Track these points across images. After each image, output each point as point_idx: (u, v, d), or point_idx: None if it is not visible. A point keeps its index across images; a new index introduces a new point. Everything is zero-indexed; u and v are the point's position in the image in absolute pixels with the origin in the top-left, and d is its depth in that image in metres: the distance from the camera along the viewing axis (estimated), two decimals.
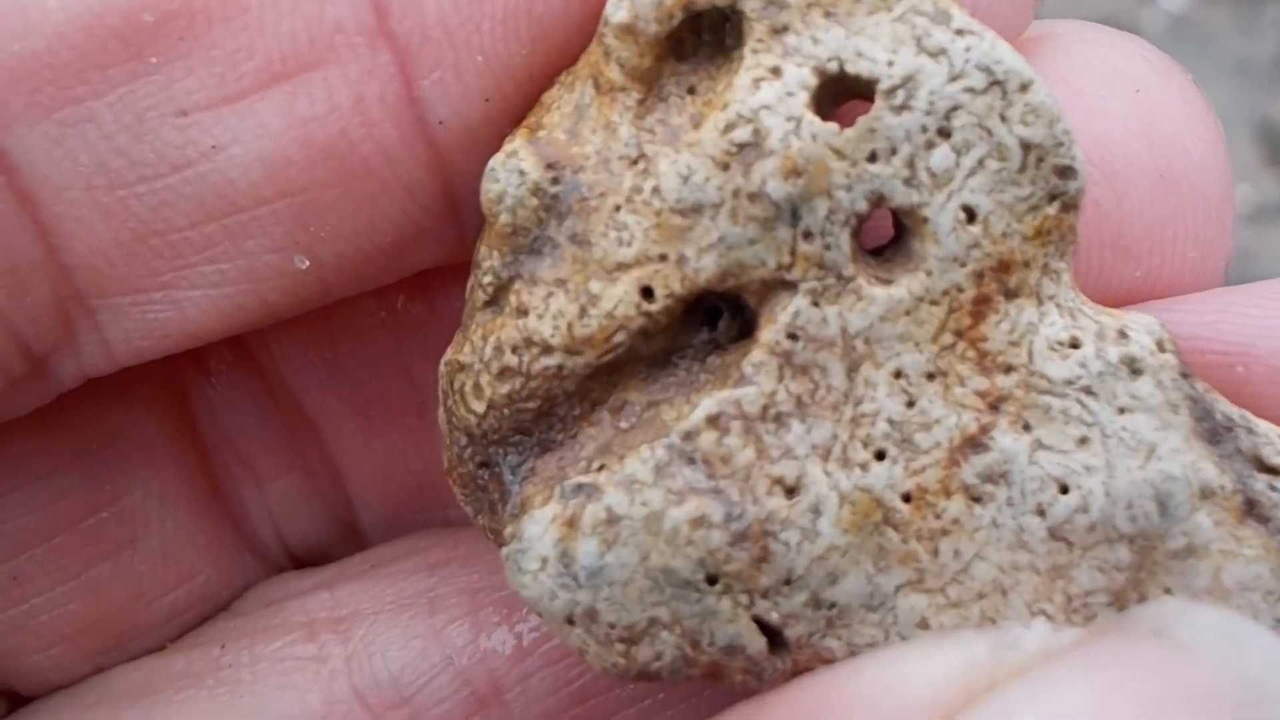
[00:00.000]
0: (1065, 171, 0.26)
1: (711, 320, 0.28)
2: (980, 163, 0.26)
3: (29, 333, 0.29)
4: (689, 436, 0.27)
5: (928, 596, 0.26)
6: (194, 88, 0.27)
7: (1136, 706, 0.21)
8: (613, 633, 0.26)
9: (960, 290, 0.26)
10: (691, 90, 0.27)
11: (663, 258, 0.26)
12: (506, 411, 0.28)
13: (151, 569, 0.35)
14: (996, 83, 0.26)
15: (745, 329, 0.27)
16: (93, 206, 0.28)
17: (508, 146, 0.27)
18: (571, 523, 0.26)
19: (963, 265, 0.26)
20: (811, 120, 0.25)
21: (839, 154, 0.26)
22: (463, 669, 0.33)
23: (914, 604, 0.26)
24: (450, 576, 0.34)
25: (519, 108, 0.28)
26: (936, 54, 0.26)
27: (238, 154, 0.28)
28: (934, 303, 0.26)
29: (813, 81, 0.25)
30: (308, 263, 0.29)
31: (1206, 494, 0.27)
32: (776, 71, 0.26)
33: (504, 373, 0.27)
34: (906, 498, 0.26)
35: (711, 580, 0.26)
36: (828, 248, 0.26)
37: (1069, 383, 0.27)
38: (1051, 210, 0.27)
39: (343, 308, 0.32)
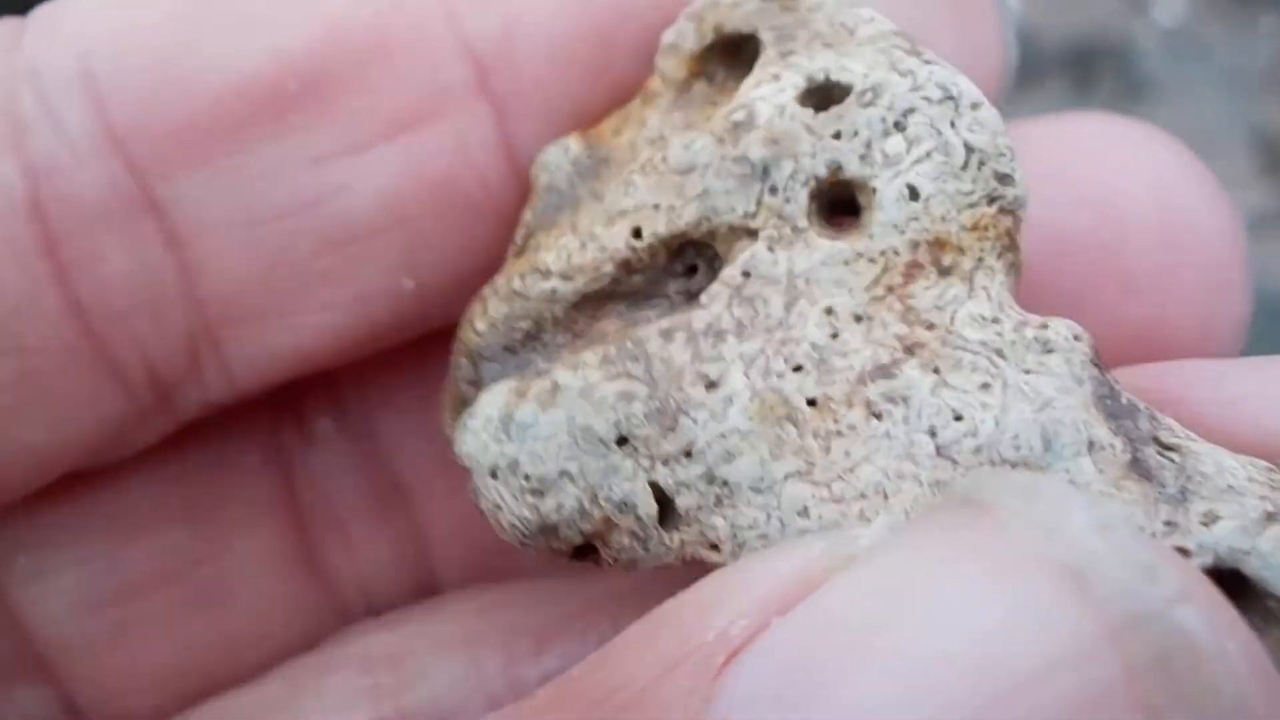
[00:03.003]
0: (1004, 178, 0.30)
1: (689, 275, 0.31)
2: (928, 154, 0.30)
3: (162, 364, 0.31)
4: (639, 342, 0.29)
5: (812, 487, 0.28)
6: (326, 142, 0.31)
7: (938, 565, 0.21)
8: (526, 484, 0.29)
9: (896, 253, 0.29)
10: (714, 103, 0.31)
11: (655, 206, 0.30)
12: (501, 329, 0.31)
13: (244, 626, 0.37)
14: (951, 98, 0.30)
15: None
16: (231, 243, 0.31)
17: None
18: (521, 393, 0.29)
19: (901, 233, 0.29)
20: (793, 107, 0.30)
21: (810, 130, 0.30)
22: (494, 694, 0.35)
23: (798, 492, 0.28)
24: (496, 615, 0.37)
25: None
26: (905, 73, 0.30)
27: (360, 194, 0.31)
28: (871, 260, 0.30)
29: (802, 83, 0.30)
30: (412, 284, 0.32)
31: (1095, 448, 0.28)
32: (776, 77, 0.30)
33: (509, 296, 0.31)
34: (811, 402, 0.29)
35: (621, 441, 0.29)
36: (788, 201, 0.30)
37: (983, 344, 0.29)
38: (990, 210, 0.30)
39: (440, 366, 0.34)
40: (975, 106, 0.30)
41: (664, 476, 0.29)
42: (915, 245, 0.30)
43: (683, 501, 0.29)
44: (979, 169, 0.30)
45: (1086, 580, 0.21)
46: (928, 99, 0.30)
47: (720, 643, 0.22)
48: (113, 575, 0.36)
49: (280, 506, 0.37)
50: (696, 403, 0.29)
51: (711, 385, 0.29)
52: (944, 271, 0.30)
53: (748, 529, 0.28)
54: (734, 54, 0.32)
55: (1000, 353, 0.29)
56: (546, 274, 0.30)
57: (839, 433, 0.29)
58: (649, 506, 0.29)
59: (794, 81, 0.30)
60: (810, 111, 0.30)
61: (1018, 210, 0.30)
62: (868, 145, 0.30)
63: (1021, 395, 0.29)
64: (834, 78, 0.30)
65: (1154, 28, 1.10)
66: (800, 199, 0.30)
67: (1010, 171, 0.30)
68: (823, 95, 0.31)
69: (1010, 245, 0.30)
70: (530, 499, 0.29)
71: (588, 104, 0.32)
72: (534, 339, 0.31)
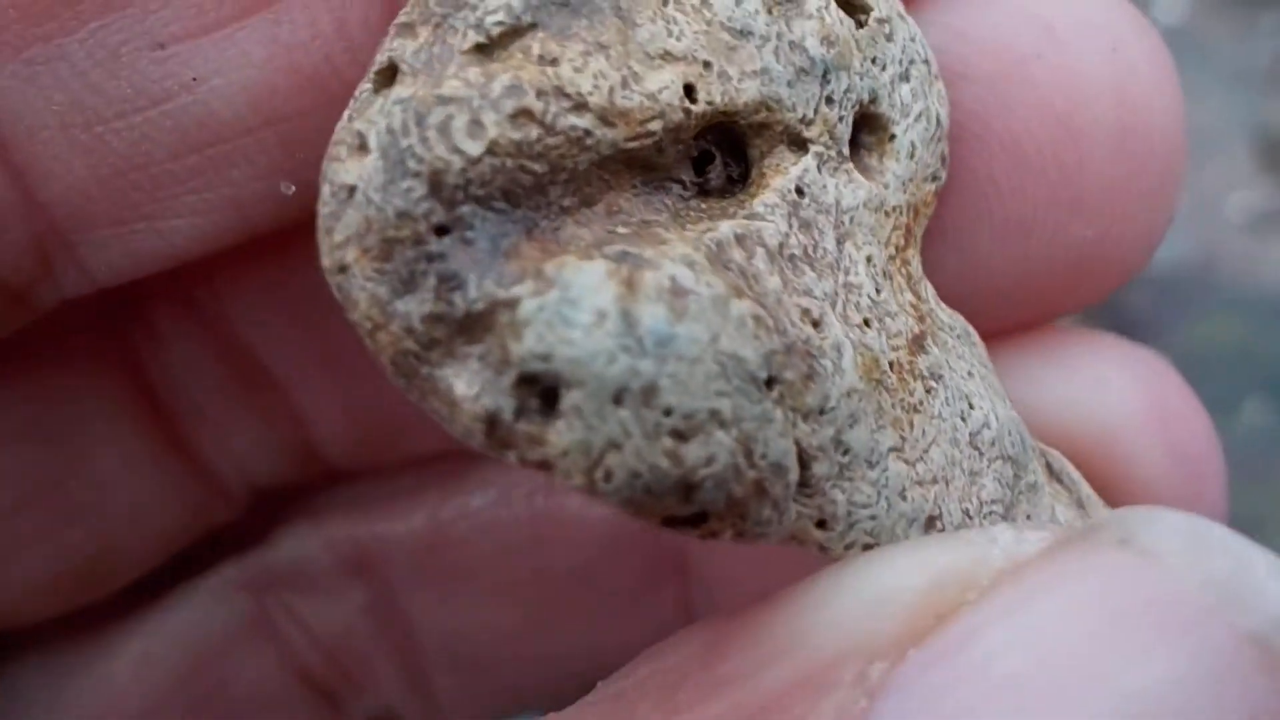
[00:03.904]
0: (945, 160, 0.28)
1: (698, 166, 0.25)
2: (920, 115, 0.27)
3: (7, 270, 0.29)
4: (721, 247, 0.23)
5: (908, 467, 0.25)
6: (170, 19, 0.27)
7: (1103, 618, 0.20)
8: (666, 421, 0.21)
9: (900, 213, 0.27)
10: None
11: (707, 65, 0.24)
12: (509, 163, 0.22)
13: (119, 526, 0.36)
14: (927, 61, 0.28)
15: (730, 183, 0.25)
16: (69, 145, 0.27)
17: None
18: (630, 284, 0.21)
19: (904, 191, 0.27)
20: (837, 9, 0.26)
21: (858, 45, 0.26)
22: (341, 552, 0.38)
23: (899, 471, 0.25)
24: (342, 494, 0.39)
25: None
26: (902, 16, 0.27)
27: (220, 85, 0.27)
28: (887, 214, 0.26)
29: None
30: (294, 188, 0.28)
31: (1033, 450, 0.28)
32: None
33: (522, 115, 0.22)
34: (892, 366, 0.25)
35: (770, 384, 0.22)
36: (841, 120, 0.26)
37: (950, 328, 0.28)
38: (931, 189, 0.27)
39: (297, 256, 0.32)
40: (937, 78, 0.28)
41: (806, 435, 0.23)
42: (910, 208, 0.27)
43: (816, 469, 0.23)
44: (937, 144, 0.28)
45: (1275, 651, 0.19)
46: (919, 55, 0.27)
47: (859, 684, 0.20)
48: None
49: (138, 407, 0.36)
50: (816, 345, 0.23)
51: (816, 325, 0.24)
52: (914, 241, 0.27)
53: (861, 508, 0.24)
54: None
55: (961, 339, 0.28)
56: (579, 105, 0.22)
57: (915, 407, 0.25)
58: (796, 472, 0.23)
59: None
60: (851, 22, 0.26)
61: (938, 195, 0.28)
62: (892, 84, 0.27)
63: (992, 390, 0.27)
64: None
65: (1155, 26, 1.09)
66: (849, 122, 0.26)
67: (947, 155, 0.28)
68: (844, 5, 0.26)
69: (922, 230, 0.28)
70: (669, 441, 0.21)
71: None
72: (540, 191, 0.22)
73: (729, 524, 0.22)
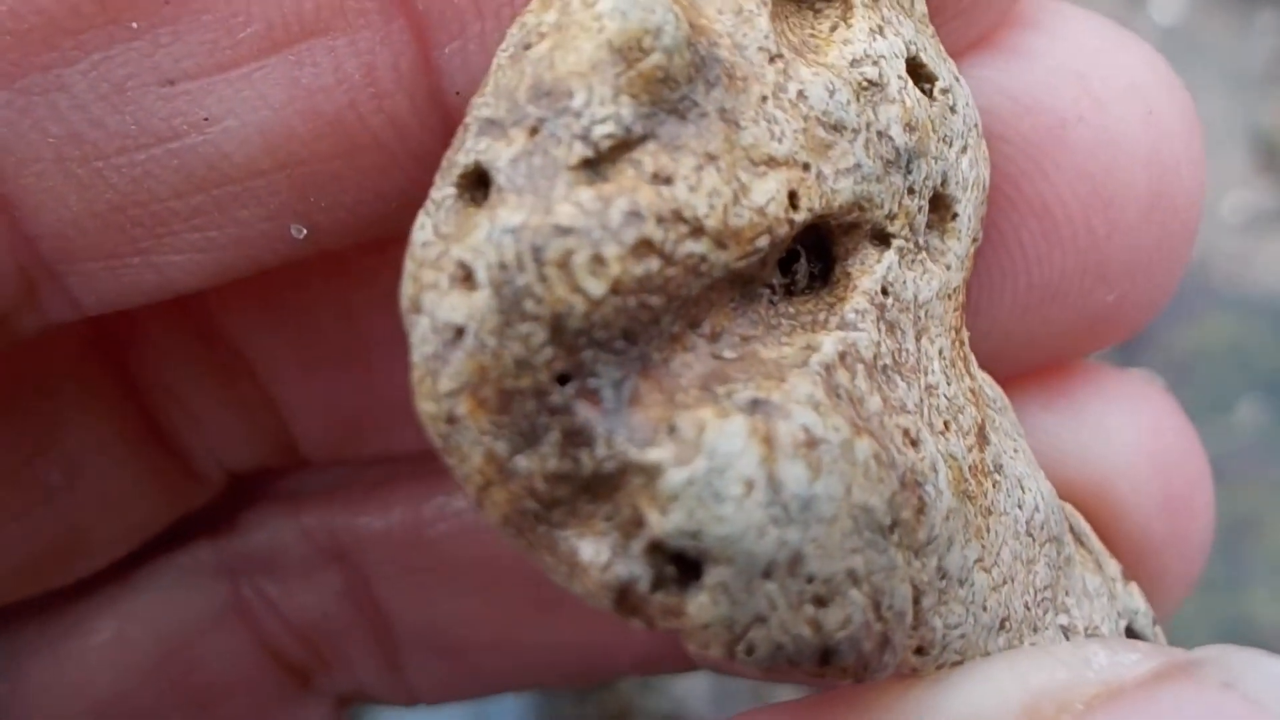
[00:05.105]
0: (982, 220, 0.27)
1: (783, 265, 0.24)
2: (973, 185, 0.26)
3: None
4: (830, 370, 0.22)
5: (987, 575, 0.24)
6: (182, 55, 0.25)
7: None
8: (808, 589, 0.20)
9: (959, 292, 0.26)
10: (814, 9, 0.25)
11: (806, 167, 0.22)
12: (631, 302, 0.20)
13: (90, 506, 0.36)
14: (977, 124, 0.26)
15: (812, 278, 0.24)
16: (64, 178, 0.26)
17: None
18: (770, 441, 0.20)
19: (962, 268, 0.26)
20: (912, 86, 0.25)
21: (933, 126, 0.25)
22: (315, 541, 0.38)
23: (982, 582, 0.24)
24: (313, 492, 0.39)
25: None
26: (958, 78, 0.26)
27: (233, 127, 0.26)
28: (950, 296, 0.25)
29: (904, 51, 0.25)
30: (305, 231, 0.27)
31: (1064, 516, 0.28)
32: (881, 30, 0.24)
33: (643, 248, 0.20)
34: (970, 470, 0.24)
35: (892, 528, 0.21)
36: (919, 210, 0.24)
37: (993, 401, 0.27)
38: (972, 250, 0.26)
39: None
40: (982, 137, 0.26)
41: (917, 573, 0.22)
42: (965, 284, 0.26)
43: (925, 603, 0.22)
44: (982, 206, 0.26)
45: None
46: (972, 119, 0.26)
47: None
48: None
49: (112, 389, 0.36)
50: (920, 471, 0.22)
51: (914, 444, 0.22)
52: (964, 313, 0.26)
53: (954, 629, 0.23)
54: None
55: (1002, 411, 0.27)
56: (697, 230, 0.21)
57: (989, 509, 0.24)
58: (911, 614, 0.22)
59: (898, 47, 0.25)
60: (926, 100, 0.25)
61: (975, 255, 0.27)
62: (956, 159, 0.25)
63: (1031, 465, 0.27)
64: (920, 58, 0.25)
65: (1152, 26, 1.09)
66: (925, 210, 0.25)
67: (985, 214, 0.27)
68: (913, 74, 0.25)
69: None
70: (810, 609, 0.20)
71: None
72: (655, 322, 0.21)
73: (851, 675, 0.21)
